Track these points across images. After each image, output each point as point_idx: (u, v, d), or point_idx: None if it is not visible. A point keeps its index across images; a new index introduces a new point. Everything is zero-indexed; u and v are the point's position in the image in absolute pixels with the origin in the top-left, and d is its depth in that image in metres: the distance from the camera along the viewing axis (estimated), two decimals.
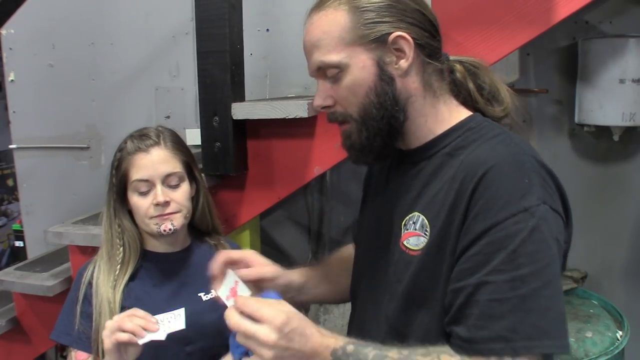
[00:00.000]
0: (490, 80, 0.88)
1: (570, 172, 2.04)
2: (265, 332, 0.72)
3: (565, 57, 1.97)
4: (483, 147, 0.78)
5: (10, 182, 4.38)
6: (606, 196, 2.01)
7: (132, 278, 1.20)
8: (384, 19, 0.79)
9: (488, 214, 0.72)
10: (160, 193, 1.15)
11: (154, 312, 1.17)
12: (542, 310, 0.68)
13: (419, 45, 0.80)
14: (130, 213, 1.21)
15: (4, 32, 2.47)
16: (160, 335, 1.03)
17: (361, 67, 0.80)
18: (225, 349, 1.25)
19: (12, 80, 2.54)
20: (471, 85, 0.87)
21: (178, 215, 1.18)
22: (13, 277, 1.82)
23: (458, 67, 0.87)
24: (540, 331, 0.68)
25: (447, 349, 0.73)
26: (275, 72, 2.19)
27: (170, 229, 1.17)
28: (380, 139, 0.83)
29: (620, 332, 1.67)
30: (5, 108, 2.60)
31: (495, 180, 0.73)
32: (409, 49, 0.79)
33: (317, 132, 1.54)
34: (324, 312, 2.17)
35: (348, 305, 1.05)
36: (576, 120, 1.95)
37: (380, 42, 0.79)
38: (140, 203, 1.16)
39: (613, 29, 1.90)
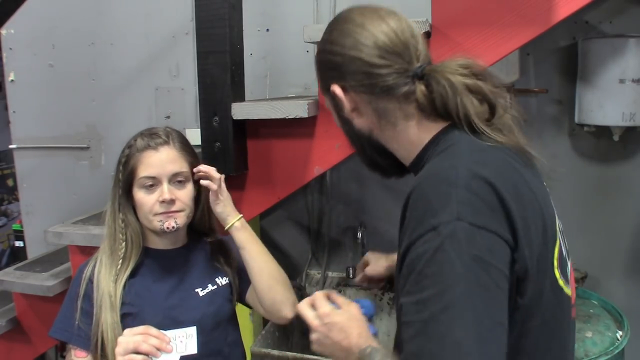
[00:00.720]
0: (445, 88, 0.85)
1: (570, 172, 2.04)
2: (311, 316, 0.93)
3: (565, 57, 1.97)
4: (428, 163, 0.81)
5: (10, 182, 4.38)
6: (606, 196, 2.01)
7: (133, 274, 1.22)
8: (325, 75, 0.91)
9: (407, 234, 0.73)
10: (166, 191, 1.17)
11: (153, 307, 1.20)
12: (439, 337, 0.65)
13: (357, 91, 0.87)
14: (134, 209, 1.22)
15: (4, 32, 2.48)
16: (174, 357, 1.07)
17: (331, 110, 0.96)
18: (223, 344, 1.27)
19: (12, 80, 2.54)
20: (438, 101, 0.84)
21: (182, 214, 1.20)
22: (13, 277, 1.82)
23: (420, 91, 0.84)
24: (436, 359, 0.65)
25: None
26: (275, 72, 2.19)
27: (173, 227, 1.19)
28: (373, 164, 0.96)
29: (620, 332, 1.67)
30: (5, 108, 2.60)
31: (416, 199, 0.74)
32: (341, 98, 0.88)
33: (317, 132, 1.54)
34: None
35: None
36: (576, 120, 1.95)
37: (329, 92, 0.91)
38: (146, 199, 1.18)
39: (613, 29, 1.90)
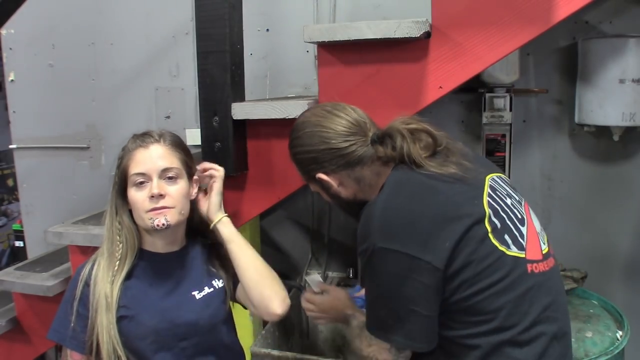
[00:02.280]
0: (390, 138, 1.12)
1: (570, 172, 2.04)
2: (310, 307, 1.37)
3: (565, 57, 1.97)
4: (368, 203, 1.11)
5: (10, 182, 4.38)
6: (606, 196, 2.01)
7: (129, 277, 1.21)
8: (308, 167, 1.18)
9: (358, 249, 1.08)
10: (155, 185, 1.16)
11: (149, 310, 1.19)
12: (373, 309, 1.08)
13: (335, 170, 1.14)
14: (131, 212, 1.22)
15: (4, 32, 2.48)
16: None
17: (320, 192, 1.23)
18: (219, 347, 1.28)
19: (12, 80, 2.54)
20: (388, 152, 1.12)
21: (173, 210, 1.18)
22: (13, 277, 1.82)
23: (378, 149, 1.12)
24: (371, 321, 1.08)
25: None
26: (275, 72, 2.19)
27: (163, 224, 1.17)
28: (356, 217, 1.17)
29: (620, 332, 1.67)
30: (5, 108, 2.61)
31: (359, 225, 1.08)
32: (328, 180, 1.16)
33: None
34: None
35: None
36: (576, 120, 1.95)
37: (316, 179, 1.18)
38: (137, 196, 1.17)
39: (613, 29, 1.90)
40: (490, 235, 1.01)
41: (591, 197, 2.03)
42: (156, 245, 1.25)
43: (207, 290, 1.26)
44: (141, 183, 1.18)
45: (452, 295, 0.99)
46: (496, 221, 1.03)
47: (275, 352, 1.66)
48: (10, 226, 4.21)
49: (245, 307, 1.35)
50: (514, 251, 1.02)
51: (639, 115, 1.81)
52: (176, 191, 1.19)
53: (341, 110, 1.16)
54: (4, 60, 2.55)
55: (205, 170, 1.32)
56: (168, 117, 2.37)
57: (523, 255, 1.03)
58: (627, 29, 1.86)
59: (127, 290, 1.20)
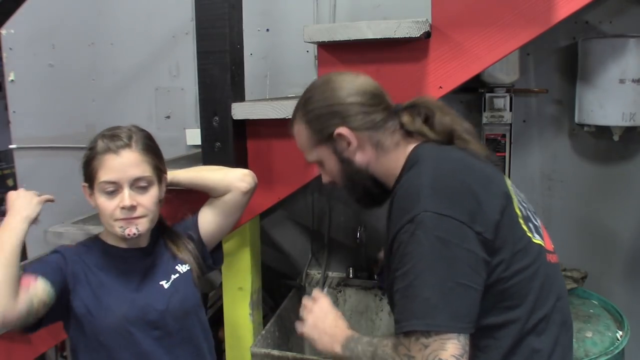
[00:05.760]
0: (427, 113, 1.09)
1: (570, 172, 2.04)
2: (307, 315, 1.15)
3: (565, 57, 1.97)
4: (405, 175, 1.03)
5: (10, 182, 4.38)
6: (606, 196, 2.01)
7: (96, 270, 1.22)
8: (325, 123, 1.08)
9: (391, 229, 0.97)
10: (127, 197, 1.14)
11: (118, 299, 1.20)
12: (412, 297, 0.89)
13: (358, 129, 1.06)
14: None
15: (4, 32, 2.48)
16: None
17: (328, 159, 1.12)
18: (194, 331, 1.29)
19: (12, 80, 2.54)
20: (417, 125, 1.08)
21: (144, 220, 1.18)
22: None
23: (405, 117, 1.09)
24: (411, 314, 0.89)
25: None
26: (275, 72, 2.19)
27: (134, 234, 1.17)
28: (364, 197, 1.15)
29: (620, 332, 1.67)
30: (5, 108, 2.61)
31: (395, 202, 0.99)
32: (349, 137, 1.07)
33: None
34: None
35: None
36: (576, 120, 1.95)
37: (330, 139, 1.08)
38: (106, 205, 1.16)
39: (613, 29, 1.90)
40: (520, 220, 1.01)
41: (591, 197, 2.03)
42: (123, 243, 1.25)
43: (173, 277, 1.27)
44: (111, 192, 1.15)
45: (491, 274, 0.93)
46: (521, 207, 1.04)
47: (275, 352, 1.66)
48: None
49: (224, 224, 1.38)
50: (537, 239, 1.03)
51: (639, 115, 1.81)
52: (148, 200, 1.18)
53: (363, 76, 1.12)
54: (4, 60, 2.55)
55: None
56: (168, 117, 2.37)
57: (543, 244, 1.04)
58: (627, 29, 1.86)
59: (95, 280, 1.20)
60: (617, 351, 1.57)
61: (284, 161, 1.57)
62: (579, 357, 1.56)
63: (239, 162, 1.54)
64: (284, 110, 1.46)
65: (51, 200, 1.29)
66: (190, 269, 1.31)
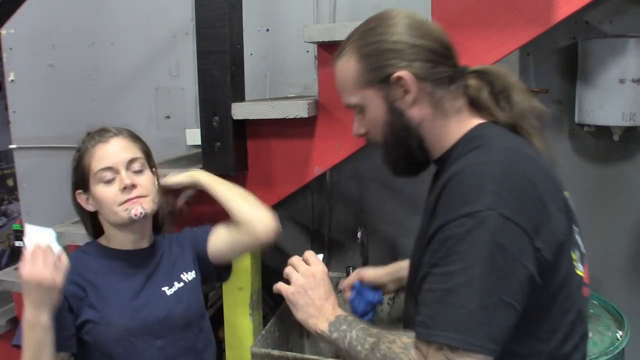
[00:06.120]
0: (504, 87, 0.94)
1: (570, 172, 2.04)
2: (295, 277, 1.01)
3: (565, 57, 1.96)
4: (464, 157, 0.87)
5: (10, 182, 4.37)
6: (606, 196, 2.01)
7: (98, 276, 1.19)
8: (385, 62, 0.90)
9: (440, 216, 0.82)
10: (125, 176, 1.15)
11: (118, 310, 1.16)
12: (457, 305, 0.76)
13: (421, 78, 0.90)
14: (90, 215, 1.23)
15: (4, 32, 2.47)
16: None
17: (374, 105, 0.94)
18: (197, 341, 1.27)
19: (12, 80, 2.54)
20: (485, 96, 0.94)
21: (147, 199, 1.18)
22: (13, 277, 1.82)
23: (472, 81, 0.95)
24: (449, 324, 0.76)
25: (410, 332, 0.83)
26: (275, 72, 2.19)
27: (141, 213, 1.16)
28: (403, 160, 0.97)
29: (620, 332, 1.67)
30: (5, 108, 2.60)
31: (452, 187, 0.83)
32: (410, 84, 0.90)
33: (317, 132, 1.54)
34: None
35: None
36: (576, 120, 1.95)
37: (385, 82, 0.91)
38: (106, 192, 1.15)
39: (613, 29, 1.90)
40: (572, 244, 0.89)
41: (591, 197, 2.03)
42: (125, 242, 1.23)
43: (177, 285, 1.25)
44: (109, 177, 1.15)
45: (531, 298, 0.80)
46: (575, 229, 0.92)
47: (275, 352, 1.66)
48: (10, 226, 4.21)
49: (231, 255, 1.36)
50: (580, 270, 0.93)
51: (639, 115, 1.81)
52: (146, 180, 1.19)
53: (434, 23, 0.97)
54: (4, 60, 2.55)
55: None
56: (168, 117, 2.37)
57: (582, 276, 0.95)
58: (627, 29, 1.86)
59: (95, 291, 1.17)
60: (617, 351, 1.57)
61: (284, 161, 1.57)
62: None
63: (239, 162, 1.54)
64: (284, 110, 1.46)
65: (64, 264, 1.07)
66: (195, 277, 1.30)
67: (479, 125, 0.92)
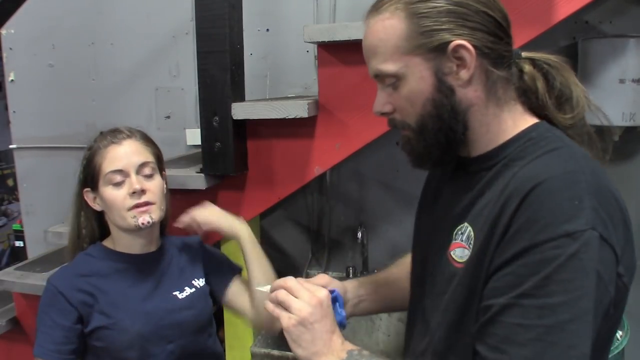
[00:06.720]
0: (563, 82, 0.82)
1: None
2: (299, 305, 0.81)
3: (565, 57, 1.97)
4: (538, 160, 0.72)
5: (10, 182, 4.38)
6: None
7: (106, 280, 1.18)
8: (443, 26, 0.73)
9: (527, 233, 0.67)
10: (135, 180, 1.14)
11: (130, 315, 1.16)
12: (565, 346, 0.64)
13: (482, 53, 0.75)
14: (95, 215, 1.22)
15: (4, 32, 2.47)
16: None
17: (419, 77, 0.76)
18: (207, 345, 1.26)
19: (12, 80, 2.54)
20: (541, 89, 0.81)
21: (154, 207, 1.17)
22: (13, 277, 1.82)
23: (527, 68, 0.81)
24: None
25: None
26: (275, 72, 2.19)
27: (148, 222, 1.15)
28: (438, 149, 0.80)
29: (620, 332, 1.66)
30: (5, 108, 2.60)
31: (541, 198, 0.68)
32: (470, 58, 0.74)
33: (317, 132, 1.54)
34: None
35: None
36: None
37: (439, 51, 0.74)
38: (115, 195, 1.14)
39: (613, 29, 1.90)
40: None
41: None
42: (134, 246, 1.22)
43: (188, 290, 1.24)
44: (119, 179, 1.14)
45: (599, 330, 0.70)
46: None
47: (275, 352, 1.66)
48: (10, 226, 4.21)
49: (234, 313, 1.33)
50: None
51: (639, 115, 1.81)
52: (155, 186, 1.18)
53: None
54: (4, 60, 2.54)
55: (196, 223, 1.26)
56: (168, 117, 2.37)
57: None
58: (627, 29, 1.86)
59: (104, 296, 1.16)
60: (617, 351, 1.57)
61: (284, 161, 1.57)
62: None
63: (239, 162, 1.54)
64: (284, 110, 1.46)
65: None
66: (205, 285, 1.29)
67: (537, 124, 0.78)
